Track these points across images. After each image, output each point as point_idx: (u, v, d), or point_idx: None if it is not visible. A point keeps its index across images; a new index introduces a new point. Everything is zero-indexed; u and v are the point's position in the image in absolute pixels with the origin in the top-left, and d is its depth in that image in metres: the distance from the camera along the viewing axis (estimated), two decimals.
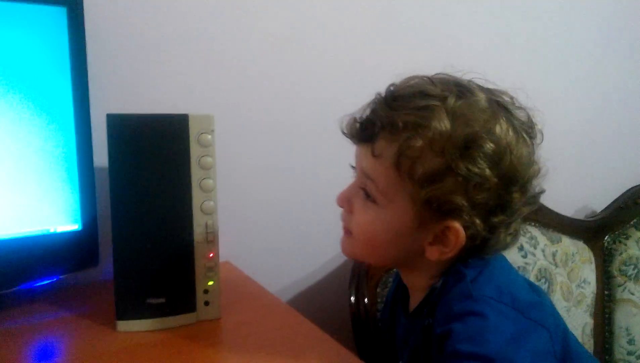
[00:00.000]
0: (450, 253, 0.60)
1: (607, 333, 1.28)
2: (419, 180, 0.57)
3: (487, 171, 0.56)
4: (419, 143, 0.56)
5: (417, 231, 0.60)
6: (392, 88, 0.62)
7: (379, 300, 0.92)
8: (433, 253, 0.60)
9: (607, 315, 1.27)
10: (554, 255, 1.18)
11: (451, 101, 0.57)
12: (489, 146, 0.56)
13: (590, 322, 1.22)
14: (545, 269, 1.15)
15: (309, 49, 1.07)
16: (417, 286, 0.66)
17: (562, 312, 1.17)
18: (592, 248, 1.26)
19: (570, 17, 1.40)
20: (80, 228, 0.77)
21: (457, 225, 0.57)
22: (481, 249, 0.61)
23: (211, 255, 0.75)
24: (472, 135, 0.56)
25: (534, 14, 1.34)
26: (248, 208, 1.04)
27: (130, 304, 0.72)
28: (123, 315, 0.72)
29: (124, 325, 0.72)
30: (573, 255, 1.21)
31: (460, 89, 0.59)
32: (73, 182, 0.77)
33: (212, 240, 0.74)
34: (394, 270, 0.98)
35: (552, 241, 1.19)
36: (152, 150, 0.71)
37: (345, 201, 0.65)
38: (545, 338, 0.56)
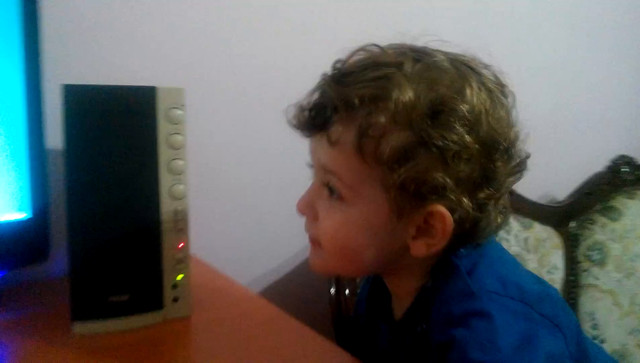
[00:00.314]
0: (439, 244, 0.52)
1: None
2: (388, 162, 0.48)
3: (466, 137, 0.48)
4: (380, 118, 0.48)
5: (396, 226, 0.51)
6: (338, 64, 0.54)
7: (358, 291, 0.87)
8: (419, 249, 0.52)
9: (572, 301, 1.26)
10: (526, 240, 1.16)
11: (409, 65, 0.50)
12: (462, 107, 0.49)
13: None
14: (517, 255, 1.13)
15: (287, 17, 1.00)
16: (404, 290, 0.58)
17: None
18: (561, 233, 1.25)
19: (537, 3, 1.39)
20: (29, 217, 0.67)
21: (441, 209, 0.49)
22: (472, 234, 0.53)
23: (181, 245, 0.67)
24: (440, 98, 0.49)
25: None
26: (217, 193, 0.96)
27: (88, 303, 0.63)
28: (80, 315, 0.62)
29: (81, 327, 0.63)
30: (544, 240, 1.20)
31: (417, 53, 0.52)
32: (21, 163, 0.66)
33: (182, 228, 0.66)
34: None
35: (525, 227, 1.17)
36: (114, 126, 0.62)
37: (307, 206, 0.56)
38: (560, 338, 0.50)
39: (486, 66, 0.55)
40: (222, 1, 0.93)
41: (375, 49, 0.54)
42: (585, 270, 1.28)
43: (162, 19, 0.88)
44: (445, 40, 0.54)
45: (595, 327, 1.28)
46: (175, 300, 0.67)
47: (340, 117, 0.51)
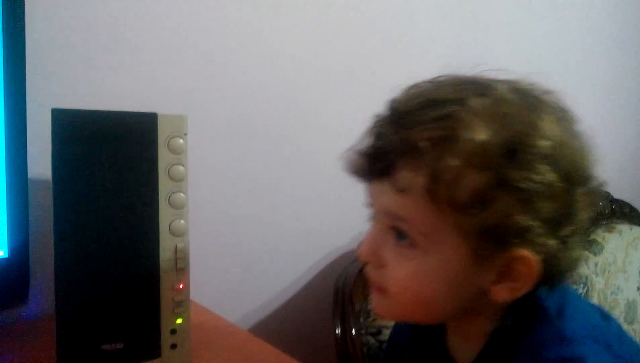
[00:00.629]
0: (524, 289, 0.48)
1: None
2: (465, 207, 0.45)
3: (548, 175, 0.45)
4: (452, 161, 0.44)
5: (475, 272, 0.48)
6: (394, 104, 0.50)
7: (362, 332, 0.82)
8: (501, 294, 0.48)
9: None
10: None
11: (473, 101, 0.46)
12: (541, 143, 0.45)
13: None
14: None
15: (294, 44, 0.97)
16: (473, 333, 0.54)
17: None
18: None
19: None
20: (6, 255, 0.60)
21: (526, 253, 0.46)
22: (557, 274, 0.49)
23: (181, 286, 0.61)
24: (517, 135, 0.45)
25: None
26: (215, 227, 0.90)
27: (77, 352, 0.56)
28: None
29: None
30: None
31: (476, 86, 0.49)
32: None
33: (182, 267, 0.61)
34: None
35: None
36: (109, 155, 0.56)
37: (372, 254, 0.51)
38: None
39: (547, 92, 0.51)
40: (228, 26, 0.90)
41: (429, 84, 0.50)
42: None
43: (162, 41, 0.83)
44: (497, 69, 0.50)
45: None
46: (174, 346, 0.61)
47: (405, 163, 0.47)
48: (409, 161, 0.46)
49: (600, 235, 1.35)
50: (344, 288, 0.84)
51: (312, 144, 1.02)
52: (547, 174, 0.45)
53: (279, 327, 0.96)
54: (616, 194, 1.47)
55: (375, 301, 0.54)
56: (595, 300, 1.27)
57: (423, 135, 0.45)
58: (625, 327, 1.32)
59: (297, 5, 0.98)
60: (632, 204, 1.52)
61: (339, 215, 1.06)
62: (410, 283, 0.49)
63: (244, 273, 0.94)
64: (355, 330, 0.80)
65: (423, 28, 1.18)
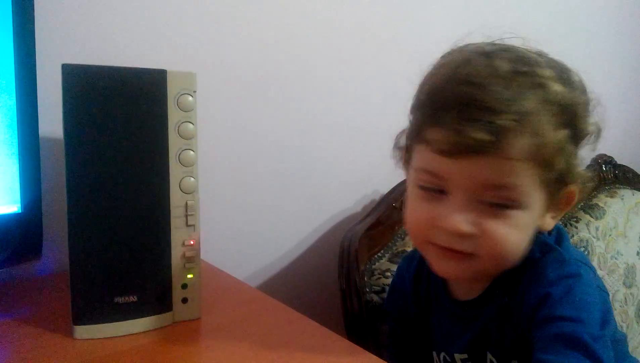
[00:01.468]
0: (560, 215, 0.59)
1: None
2: (552, 161, 0.53)
3: (591, 125, 0.56)
4: (547, 123, 0.52)
5: (544, 213, 0.57)
6: (474, 79, 0.51)
7: (367, 290, 0.83)
8: (549, 223, 0.58)
9: None
10: None
11: (547, 70, 0.53)
12: (587, 98, 0.56)
13: None
14: None
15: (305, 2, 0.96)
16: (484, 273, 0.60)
17: None
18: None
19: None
20: (20, 211, 0.61)
21: (574, 187, 0.57)
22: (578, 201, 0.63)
23: (192, 242, 0.62)
24: (584, 94, 0.56)
25: None
26: (224, 187, 0.91)
27: (92, 305, 0.57)
28: (83, 318, 0.57)
29: (83, 331, 0.57)
30: None
31: (527, 58, 0.55)
32: (12, 152, 0.60)
33: (193, 224, 0.62)
34: (384, 257, 0.91)
35: None
36: (120, 112, 0.57)
37: (472, 225, 0.54)
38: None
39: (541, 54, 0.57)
40: None
41: (488, 60, 0.53)
42: None
43: None
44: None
45: None
46: (185, 300, 0.62)
47: (513, 132, 0.50)
48: (516, 130, 0.50)
49: (602, 199, 1.36)
50: (349, 248, 0.85)
51: (321, 105, 1.02)
52: (591, 125, 0.56)
53: (286, 286, 0.98)
54: (619, 160, 1.48)
55: (452, 267, 0.57)
56: (595, 264, 1.29)
57: (524, 104, 0.50)
58: (624, 290, 1.35)
59: None
60: (635, 170, 1.52)
61: (345, 177, 1.07)
62: (511, 242, 0.54)
63: (253, 233, 0.95)
64: (359, 288, 0.81)
65: None
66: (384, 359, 0.56)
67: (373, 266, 0.87)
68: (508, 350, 0.59)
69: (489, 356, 0.61)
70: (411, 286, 0.70)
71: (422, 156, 0.57)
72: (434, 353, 0.68)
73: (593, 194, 1.36)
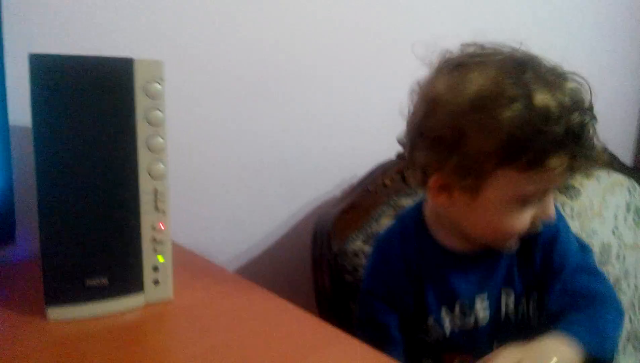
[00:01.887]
0: None
1: None
2: None
3: None
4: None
5: None
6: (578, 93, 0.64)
7: (340, 270, 0.86)
8: None
9: None
10: None
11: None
12: None
13: None
14: None
15: None
16: None
17: None
18: None
19: None
20: None
21: None
22: None
23: (161, 226, 0.64)
24: None
25: None
26: (194, 173, 0.92)
27: (63, 286, 0.59)
28: (55, 299, 0.59)
29: (56, 312, 0.59)
30: None
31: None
32: None
33: (162, 208, 0.63)
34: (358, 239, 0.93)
35: None
36: (88, 100, 0.58)
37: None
38: None
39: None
40: None
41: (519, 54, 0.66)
42: None
43: None
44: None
45: None
46: (156, 282, 0.64)
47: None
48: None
49: (578, 180, 1.38)
50: (322, 230, 0.88)
51: (298, 92, 1.03)
52: None
53: (261, 269, 1.00)
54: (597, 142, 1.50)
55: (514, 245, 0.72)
56: None
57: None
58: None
59: None
60: (611, 151, 1.55)
61: (324, 163, 1.08)
62: None
63: (230, 218, 0.97)
64: (332, 269, 0.84)
65: None
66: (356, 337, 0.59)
67: (347, 247, 0.90)
68: (519, 285, 0.74)
69: (503, 293, 0.75)
70: (403, 265, 0.75)
71: (534, 178, 0.63)
72: (432, 315, 0.75)
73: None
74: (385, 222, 0.98)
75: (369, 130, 1.16)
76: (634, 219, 1.51)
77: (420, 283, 0.75)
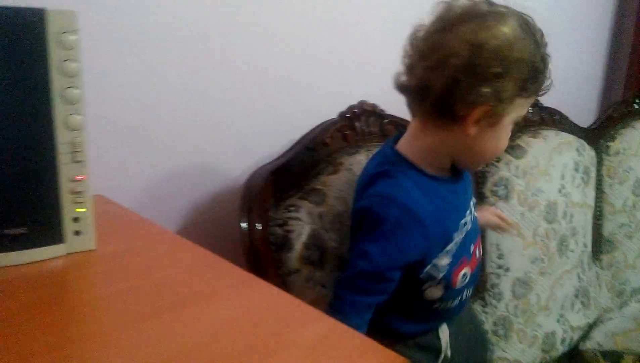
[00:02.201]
0: None
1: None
2: None
3: None
4: None
5: None
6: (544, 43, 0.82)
7: (270, 224, 0.88)
8: None
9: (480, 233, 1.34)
10: None
11: None
12: None
13: None
14: None
15: None
16: None
17: None
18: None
19: None
20: None
21: None
22: None
23: (80, 177, 0.65)
24: None
25: None
26: (120, 129, 0.93)
27: None
28: None
29: None
30: None
31: None
32: None
33: (80, 160, 0.64)
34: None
35: None
36: None
37: None
38: None
39: None
40: None
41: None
42: (492, 205, 1.35)
43: None
44: None
45: (500, 256, 1.37)
46: (77, 233, 0.65)
47: None
48: None
49: (524, 140, 1.41)
50: (253, 184, 0.89)
51: (237, 48, 1.03)
52: None
53: (189, 223, 1.02)
54: (546, 102, 1.53)
55: None
56: (515, 201, 1.36)
57: None
58: (545, 225, 1.42)
59: None
60: (562, 112, 1.58)
61: (268, 123, 1.09)
62: None
63: (159, 173, 0.97)
64: (261, 222, 0.86)
65: None
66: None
67: (281, 202, 0.92)
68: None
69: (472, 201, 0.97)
70: (428, 210, 0.84)
71: (522, 105, 0.83)
72: (454, 234, 0.87)
73: (517, 135, 1.41)
74: (325, 179, 1.00)
75: (312, 90, 1.17)
76: (582, 179, 1.55)
77: (437, 224, 0.84)
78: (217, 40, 1.00)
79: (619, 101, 1.82)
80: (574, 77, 1.93)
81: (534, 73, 0.80)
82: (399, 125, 1.21)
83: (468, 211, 0.92)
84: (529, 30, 0.80)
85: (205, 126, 1.01)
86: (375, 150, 1.08)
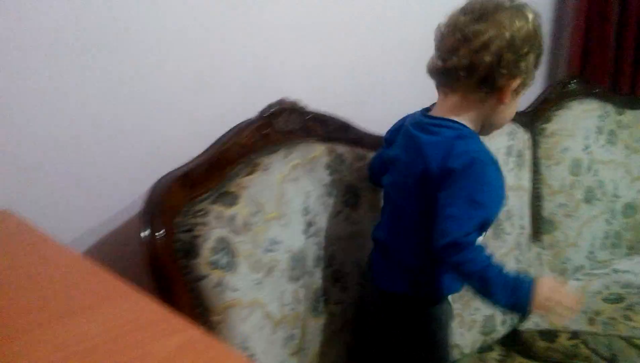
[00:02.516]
0: None
1: None
2: None
3: None
4: None
5: None
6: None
7: (176, 230, 0.88)
8: None
9: None
10: (359, 170, 1.23)
11: None
12: None
13: None
14: (351, 184, 1.21)
15: None
16: None
17: (368, 223, 1.23)
18: None
19: None
20: None
21: None
22: None
23: None
24: None
25: None
26: (26, 142, 0.92)
27: None
28: None
29: None
30: None
31: None
32: None
33: None
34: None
35: (358, 158, 1.24)
36: None
37: None
38: None
39: None
40: None
41: None
42: None
43: None
44: None
45: None
46: None
47: None
48: None
49: None
50: (155, 191, 0.89)
51: (132, 47, 1.02)
52: None
53: (96, 237, 1.01)
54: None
55: None
56: None
57: None
58: None
59: None
60: None
61: (170, 124, 1.10)
62: None
63: (66, 185, 0.97)
64: (163, 229, 0.86)
65: None
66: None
67: (191, 208, 0.92)
68: None
69: None
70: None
71: (531, 76, 1.04)
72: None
73: None
74: (240, 181, 1.01)
75: (229, 91, 1.18)
76: (515, 162, 1.58)
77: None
78: (123, 41, 1.00)
79: (554, 83, 1.85)
80: None
81: (543, 50, 1.04)
82: (322, 121, 1.22)
83: None
84: (538, 16, 1.03)
85: (115, 132, 1.01)
86: (296, 148, 1.10)
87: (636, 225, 1.93)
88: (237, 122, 1.10)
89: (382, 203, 1.18)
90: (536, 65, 1.04)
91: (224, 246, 0.91)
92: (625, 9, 1.99)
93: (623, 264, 1.86)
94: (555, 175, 1.74)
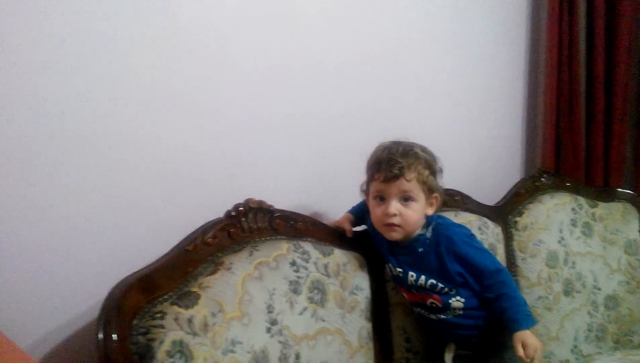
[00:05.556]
0: (434, 208, 1.32)
1: (386, 334, 1.38)
2: (426, 182, 1.27)
3: (438, 170, 1.33)
4: (424, 168, 1.27)
5: (425, 206, 1.30)
6: (391, 150, 1.26)
7: (133, 333, 0.89)
8: (430, 212, 1.31)
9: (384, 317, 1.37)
10: (325, 266, 1.25)
11: (417, 148, 1.28)
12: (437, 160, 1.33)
13: (366, 325, 1.32)
14: (317, 280, 1.22)
15: None
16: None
17: (337, 318, 1.23)
18: (365, 256, 1.36)
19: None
20: None
21: (438, 195, 1.32)
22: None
23: None
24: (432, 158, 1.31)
25: None
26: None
27: None
28: None
29: None
30: (345, 264, 1.29)
31: (409, 144, 1.29)
32: None
33: None
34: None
35: (324, 254, 1.26)
36: None
37: (398, 211, 1.25)
38: None
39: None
40: None
41: (394, 145, 1.29)
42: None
43: None
44: None
45: (407, 340, 1.39)
46: None
47: (409, 171, 1.23)
48: (410, 171, 1.24)
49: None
50: (113, 294, 0.91)
51: (94, 148, 1.08)
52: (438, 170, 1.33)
53: (45, 339, 1.02)
54: (467, 183, 1.62)
55: (394, 234, 1.27)
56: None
57: (415, 160, 1.25)
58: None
59: None
60: (462, 192, 1.65)
61: (138, 225, 1.13)
62: (415, 217, 1.27)
63: (29, 287, 0.99)
64: (119, 332, 0.86)
65: None
66: None
67: (151, 310, 0.93)
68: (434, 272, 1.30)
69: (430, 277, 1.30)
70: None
71: (374, 185, 1.27)
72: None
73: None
74: (203, 281, 1.02)
75: (198, 191, 1.22)
76: None
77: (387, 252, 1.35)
78: (90, 140, 1.06)
79: (526, 178, 1.91)
80: (494, 157, 2.04)
81: (371, 167, 1.29)
82: (289, 218, 1.26)
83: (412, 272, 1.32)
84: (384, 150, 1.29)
85: (79, 234, 1.04)
86: (261, 246, 1.13)
87: (619, 317, 1.90)
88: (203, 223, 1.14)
89: (352, 299, 1.20)
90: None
91: (180, 349, 0.91)
92: (592, 102, 2.09)
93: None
94: (531, 267, 1.74)
